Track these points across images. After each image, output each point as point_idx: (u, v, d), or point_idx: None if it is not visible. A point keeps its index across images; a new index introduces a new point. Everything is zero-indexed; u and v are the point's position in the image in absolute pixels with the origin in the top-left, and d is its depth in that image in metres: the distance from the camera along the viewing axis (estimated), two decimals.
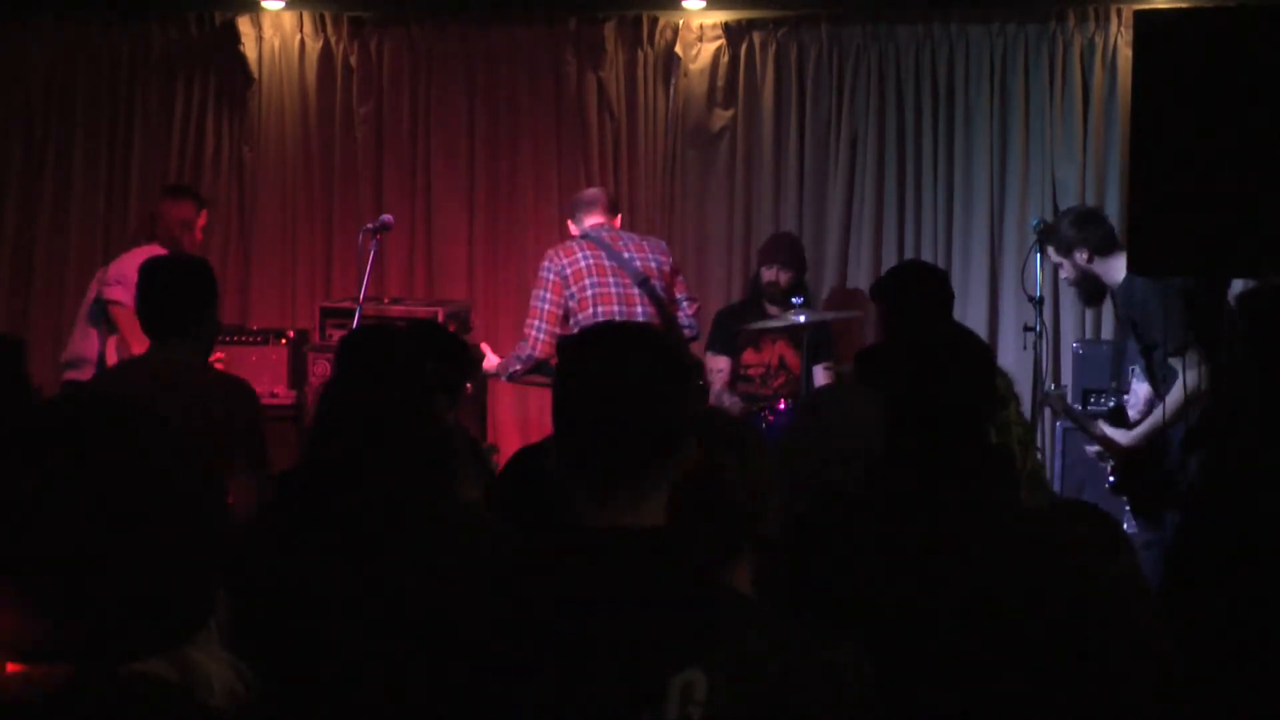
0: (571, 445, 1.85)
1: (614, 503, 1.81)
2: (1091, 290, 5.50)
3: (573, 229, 6.27)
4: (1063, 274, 5.60)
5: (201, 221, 6.55)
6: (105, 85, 7.70)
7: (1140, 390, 5.47)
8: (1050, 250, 5.54)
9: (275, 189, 7.70)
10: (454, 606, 1.93)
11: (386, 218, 6.32)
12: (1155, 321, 5.15)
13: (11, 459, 1.34)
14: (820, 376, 6.69)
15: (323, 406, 2.92)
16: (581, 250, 6.01)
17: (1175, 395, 5.13)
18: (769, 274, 6.80)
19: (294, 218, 7.73)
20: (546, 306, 5.96)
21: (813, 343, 6.62)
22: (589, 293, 5.94)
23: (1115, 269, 5.27)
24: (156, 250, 6.05)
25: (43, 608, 1.32)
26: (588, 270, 5.96)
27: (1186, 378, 5.05)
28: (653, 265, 6.07)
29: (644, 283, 6.01)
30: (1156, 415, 5.25)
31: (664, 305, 6.07)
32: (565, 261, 5.98)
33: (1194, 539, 3.36)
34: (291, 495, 2.86)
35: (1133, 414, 5.46)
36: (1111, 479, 5.41)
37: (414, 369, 3.23)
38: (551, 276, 5.97)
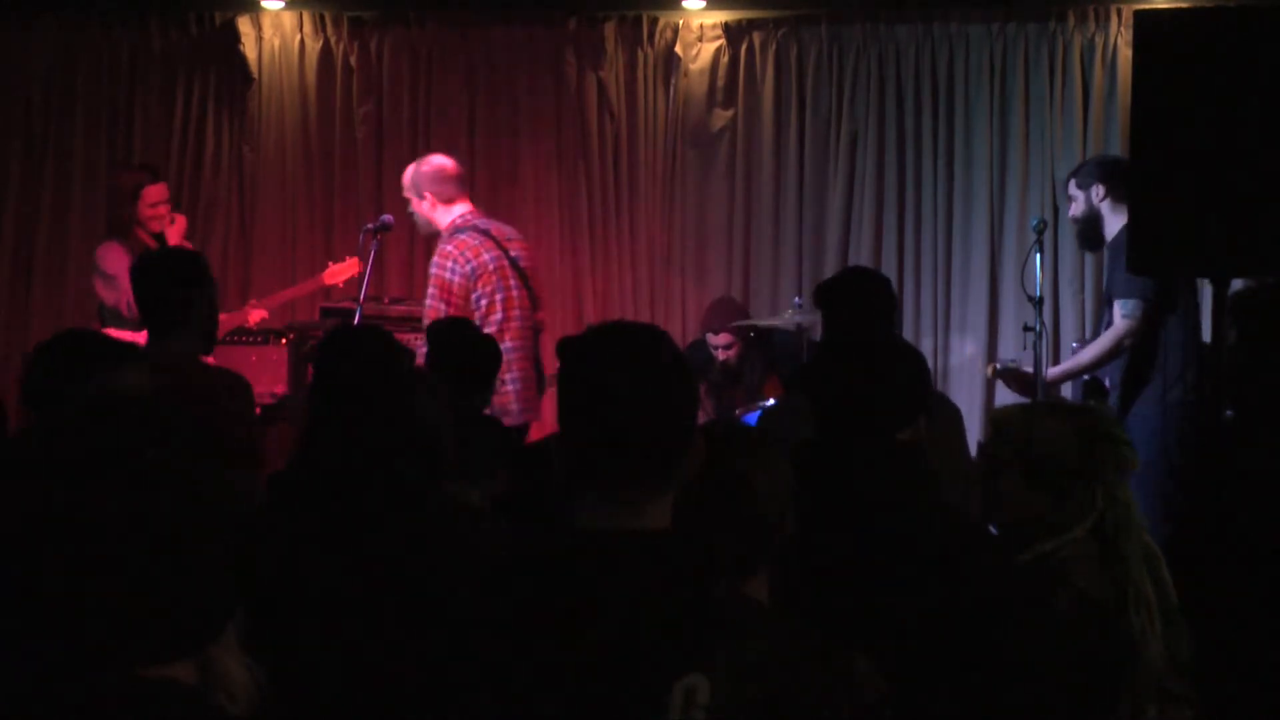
0: (578, 449, 1.84)
1: (621, 506, 1.81)
2: (1089, 234, 5.66)
3: (426, 208, 5.79)
4: (1071, 209, 5.74)
5: (150, 198, 6.16)
6: (105, 85, 7.70)
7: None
8: (1072, 182, 5.70)
9: (275, 189, 7.69)
10: (455, 608, 1.92)
11: (386, 218, 6.31)
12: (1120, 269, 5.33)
13: (37, 468, 1.34)
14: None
15: (310, 409, 2.92)
16: (487, 250, 5.60)
17: (1102, 340, 5.43)
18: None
19: (294, 218, 7.73)
20: (445, 310, 5.47)
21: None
22: (498, 296, 5.58)
23: (1117, 221, 5.43)
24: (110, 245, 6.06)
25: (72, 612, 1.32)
26: (495, 272, 5.60)
27: (1117, 322, 5.34)
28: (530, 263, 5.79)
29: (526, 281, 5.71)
30: (1080, 356, 5.58)
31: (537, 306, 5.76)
32: (475, 263, 5.56)
33: (1195, 536, 3.36)
34: (286, 496, 2.86)
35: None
36: None
37: (394, 366, 3.23)
38: (457, 279, 5.56)
